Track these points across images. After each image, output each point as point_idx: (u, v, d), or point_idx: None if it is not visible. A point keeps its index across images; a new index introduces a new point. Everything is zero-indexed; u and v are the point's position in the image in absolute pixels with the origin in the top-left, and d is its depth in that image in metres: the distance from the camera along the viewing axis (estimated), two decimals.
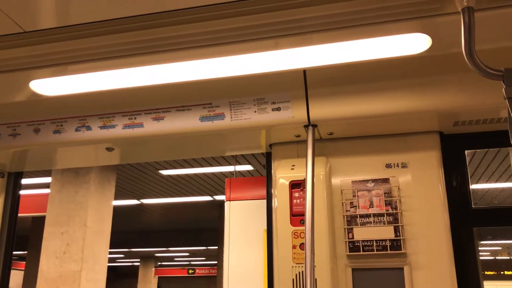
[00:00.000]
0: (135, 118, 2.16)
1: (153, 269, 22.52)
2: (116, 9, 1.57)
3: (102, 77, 1.91)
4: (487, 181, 8.09)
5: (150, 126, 2.15)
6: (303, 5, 1.53)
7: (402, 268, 2.00)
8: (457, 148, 2.21)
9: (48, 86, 1.97)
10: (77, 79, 1.92)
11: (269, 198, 2.41)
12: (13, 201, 2.74)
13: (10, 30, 1.64)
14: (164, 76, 1.90)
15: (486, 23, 1.54)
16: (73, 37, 1.70)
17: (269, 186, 2.41)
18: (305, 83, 1.96)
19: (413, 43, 1.67)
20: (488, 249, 15.88)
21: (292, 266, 2.01)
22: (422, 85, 1.91)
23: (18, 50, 1.75)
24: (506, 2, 1.48)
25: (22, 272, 11.74)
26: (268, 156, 2.45)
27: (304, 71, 1.91)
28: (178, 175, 8.89)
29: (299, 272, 2.00)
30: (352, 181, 2.14)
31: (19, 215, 2.82)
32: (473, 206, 2.16)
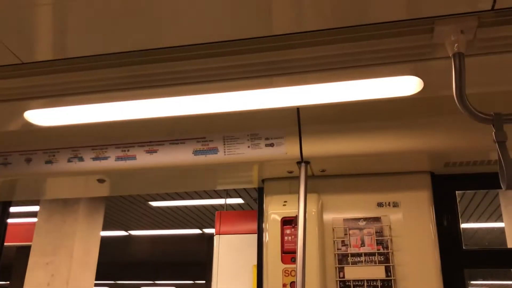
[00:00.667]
0: (128, 151, 2.16)
1: None
2: (111, 44, 1.59)
3: (96, 110, 1.92)
4: (477, 220, 8.10)
5: (143, 159, 2.14)
6: (297, 46, 1.56)
7: None
8: (448, 189, 2.23)
9: (42, 117, 1.97)
10: (71, 111, 1.92)
11: (260, 234, 2.40)
12: (0, 230, 2.70)
13: (9, 61, 1.65)
14: (158, 110, 1.91)
15: (477, 68, 1.58)
16: (69, 70, 1.72)
17: (260, 221, 2.40)
18: (299, 120, 1.98)
19: (405, 85, 1.70)
20: None
21: None
22: (414, 126, 1.94)
23: (15, 81, 1.76)
24: (495, 49, 1.53)
25: None
26: (260, 191, 2.45)
27: (298, 109, 1.94)
28: (167, 207, 8.80)
29: None
30: (344, 219, 2.14)
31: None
32: (464, 247, 2.16)
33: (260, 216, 2.41)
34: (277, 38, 1.54)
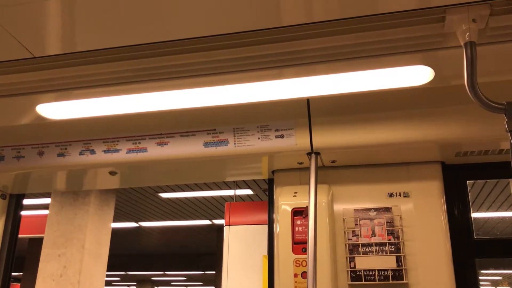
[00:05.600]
0: (139, 143, 2.18)
1: None
2: (121, 37, 1.60)
3: (107, 102, 1.93)
4: (487, 210, 8.05)
5: (154, 151, 2.16)
6: (307, 36, 1.56)
7: None
8: (459, 178, 2.23)
9: (54, 110, 1.99)
10: (83, 104, 1.94)
11: (270, 225, 2.41)
12: (14, 222, 2.74)
13: (21, 56, 1.67)
14: (169, 102, 1.92)
15: (488, 57, 1.57)
16: (80, 63, 1.73)
17: (270, 212, 2.42)
18: (309, 111, 1.98)
19: (416, 75, 1.69)
20: (489, 278, 15.68)
21: None
22: (424, 116, 1.93)
23: (27, 75, 1.78)
24: (507, 38, 1.51)
25: None
26: (270, 183, 2.46)
27: (308, 100, 1.94)
28: (177, 198, 8.85)
29: None
30: (354, 210, 2.14)
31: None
32: (475, 237, 2.15)
33: (270, 207, 2.42)
34: (286, 29, 1.54)
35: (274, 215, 2.28)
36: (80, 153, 2.23)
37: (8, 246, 2.68)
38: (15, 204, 2.74)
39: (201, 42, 1.61)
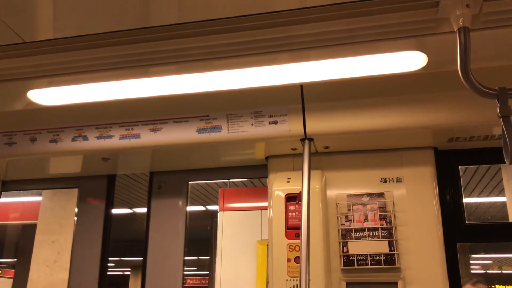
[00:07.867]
0: (132, 129, 2.17)
1: None
2: (114, 22, 1.58)
3: (100, 88, 1.91)
4: (479, 195, 8.11)
5: (147, 137, 2.15)
6: (300, 22, 1.55)
7: (396, 283, 2.01)
8: (451, 164, 2.24)
9: (46, 96, 1.97)
10: (75, 90, 1.92)
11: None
12: None
13: (11, 41, 1.65)
14: (162, 88, 1.91)
15: (482, 42, 1.57)
16: (72, 49, 1.71)
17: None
18: (302, 97, 1.98)
19: (409, 61, 1.69)
20: (479, 262, 15.89)
21: (287, 280, 2.01)
22: (417, 102, 1.94)
23: (18, 60, 1.76)
24: (501, 23, 1.51)
25: (11, 280, 11.57)
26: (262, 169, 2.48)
27: (301, 86, 1.93)
28: None
29: (294, 286, 2.00)
30: (347, 195, 2.16)
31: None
32: (466, 222, 2.18)
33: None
34: (279, 14, 1.53)
35: (268, 201, 2.30)
36: (73, 139, 2.21)
37: None
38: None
39: (194, 27, 1.60)
